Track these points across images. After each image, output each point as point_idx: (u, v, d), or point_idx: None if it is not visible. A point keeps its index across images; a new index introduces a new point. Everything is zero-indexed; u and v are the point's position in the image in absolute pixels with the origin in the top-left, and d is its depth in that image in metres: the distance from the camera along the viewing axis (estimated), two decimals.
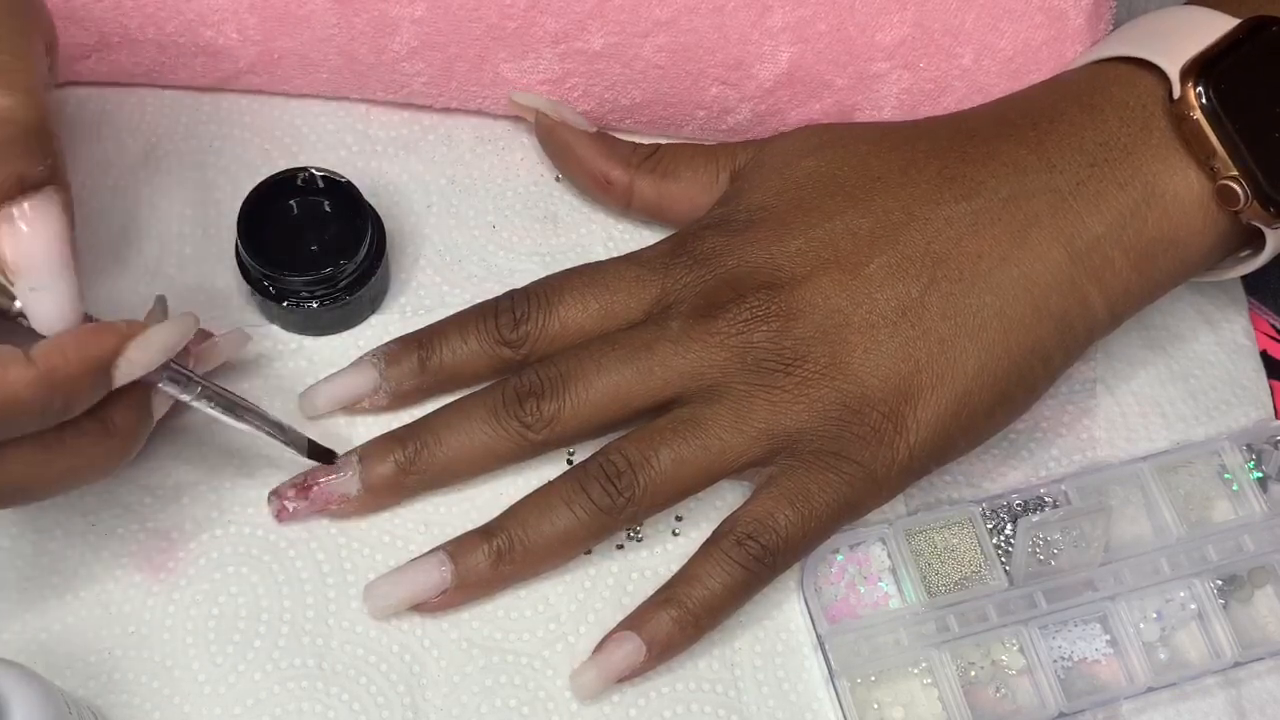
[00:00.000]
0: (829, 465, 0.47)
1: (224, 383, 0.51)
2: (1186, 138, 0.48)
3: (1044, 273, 0.48)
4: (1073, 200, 0.48)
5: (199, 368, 0.48)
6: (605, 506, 0.47)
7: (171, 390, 0.45)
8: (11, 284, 0.40)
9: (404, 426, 0.49)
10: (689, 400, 0.48)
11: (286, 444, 0.47)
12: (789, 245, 0.49)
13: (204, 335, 0.48)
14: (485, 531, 0.48)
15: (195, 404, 0.45)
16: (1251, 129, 0.47)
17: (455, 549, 0.48)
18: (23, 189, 0.38)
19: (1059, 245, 0.48)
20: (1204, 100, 0.47)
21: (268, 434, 0.47)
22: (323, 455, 0.48)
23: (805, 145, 0.52)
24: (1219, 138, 0.47)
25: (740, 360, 0.47)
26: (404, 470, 0.48)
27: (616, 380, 0.48)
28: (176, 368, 0.44)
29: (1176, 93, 0.48)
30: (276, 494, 0.49)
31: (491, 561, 0.47)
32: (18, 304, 0.40)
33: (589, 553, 0.50)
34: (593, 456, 0.48)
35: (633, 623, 0.47)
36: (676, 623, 0.46)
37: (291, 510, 0.49)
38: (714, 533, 0.48)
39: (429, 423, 0.49)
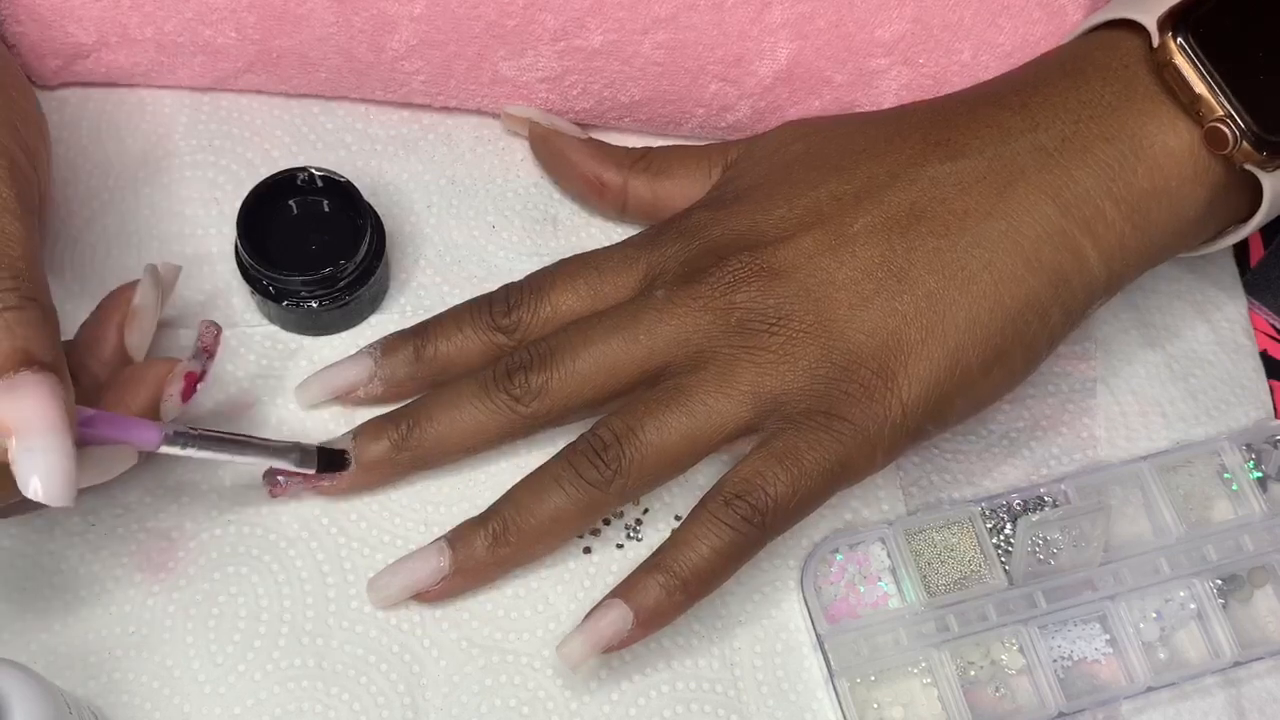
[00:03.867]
0: (819, 424, 0.46)
1: (228, 385, 0.51)
2: (1170, 87, 0.48)
3: (1032, 225, 0.47)
4: (1058, 155, 0.48)
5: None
6: (594, 480, 0.47)
7: (174, 450, 0.43)
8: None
9: (398, 408, 0.50)
10: (677, 370, 0.48)
11: (299, 463, 0.47)
12: (772, 213, 0.49)
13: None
14: (481, 517, 0.48)
15: (200, 455, 0.44)
16: (1234, 71, 0.47)
17: (453, 536, 0.48)
18: (29, 364, 0.38)
19: (1047, 197, 0.47)
20: (1183, 45, 0.47)
21: (275, 456, 0.46)
22: (334, 461, 0.48)
23: (794, 134, 0.52)
24: (1200, 80, 0.47)
25: (724, 322, 0.47)
26: (396, 447, 0.49)
27: (603, 350, 0.48)
28: (175, 430, 0.43)
29: (1156, 42, 0.48)
30: (271, 470, 0.49)
31: (488, 545, 0.47)
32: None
33: (589, 551, 0.50)
34: (581, 435, 0.48)
35: (620, 591, 0.46)
36: (664, 588, 0.46)
37: (284, 485, 0.49)
38: (702, 497, 0.47)
39: (422, 402, 0.50)
